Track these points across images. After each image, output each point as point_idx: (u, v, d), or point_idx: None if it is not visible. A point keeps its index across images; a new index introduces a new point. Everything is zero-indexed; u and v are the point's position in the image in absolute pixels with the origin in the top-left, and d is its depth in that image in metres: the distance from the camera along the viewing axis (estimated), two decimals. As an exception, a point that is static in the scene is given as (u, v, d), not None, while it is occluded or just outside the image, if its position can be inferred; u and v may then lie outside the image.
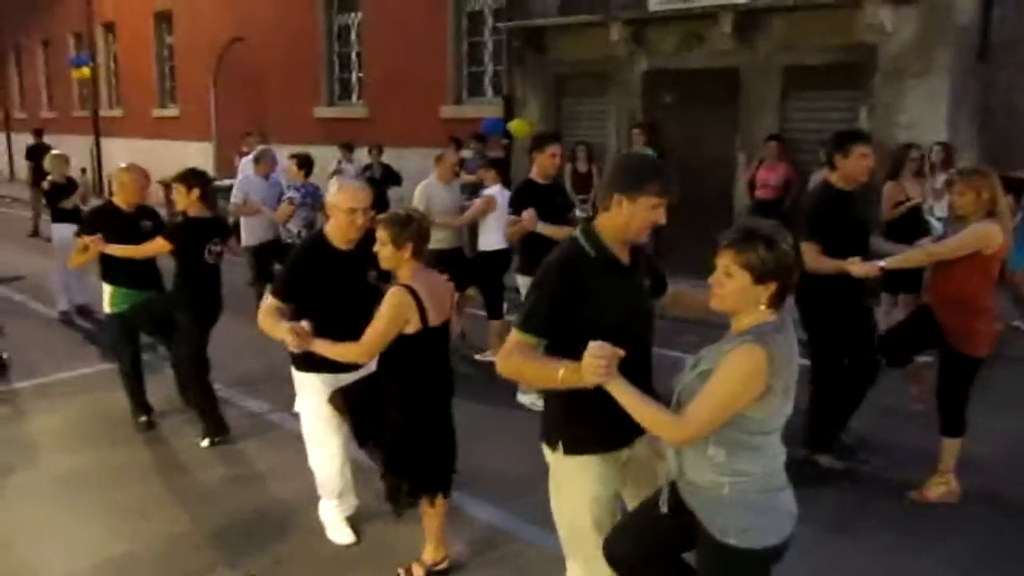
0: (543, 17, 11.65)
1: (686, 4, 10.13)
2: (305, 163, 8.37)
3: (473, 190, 11.42)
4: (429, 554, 4.03)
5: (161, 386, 6.68)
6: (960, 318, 4.48)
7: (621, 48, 10.99)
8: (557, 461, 2.92)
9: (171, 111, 19.75)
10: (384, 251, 3.61)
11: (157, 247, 5.52)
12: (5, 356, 7.27)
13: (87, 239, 5.65)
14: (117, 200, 5.91)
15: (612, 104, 11.52)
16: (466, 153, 11.68)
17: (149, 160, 20.11)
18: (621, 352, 2.48)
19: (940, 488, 4.67)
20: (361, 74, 15.30)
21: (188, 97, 18.97)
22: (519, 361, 2.72)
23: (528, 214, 5.84)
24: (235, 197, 8.88)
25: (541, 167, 6.08)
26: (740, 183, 10.25)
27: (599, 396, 2.57)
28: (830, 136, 5.00)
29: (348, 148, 12.80)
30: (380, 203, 11.66)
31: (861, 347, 4.93)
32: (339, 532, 4.41)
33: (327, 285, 3.92)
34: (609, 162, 11.17)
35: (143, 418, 6.00)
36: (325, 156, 13.54)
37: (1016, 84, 10.90)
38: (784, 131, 9.80)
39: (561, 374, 2.61)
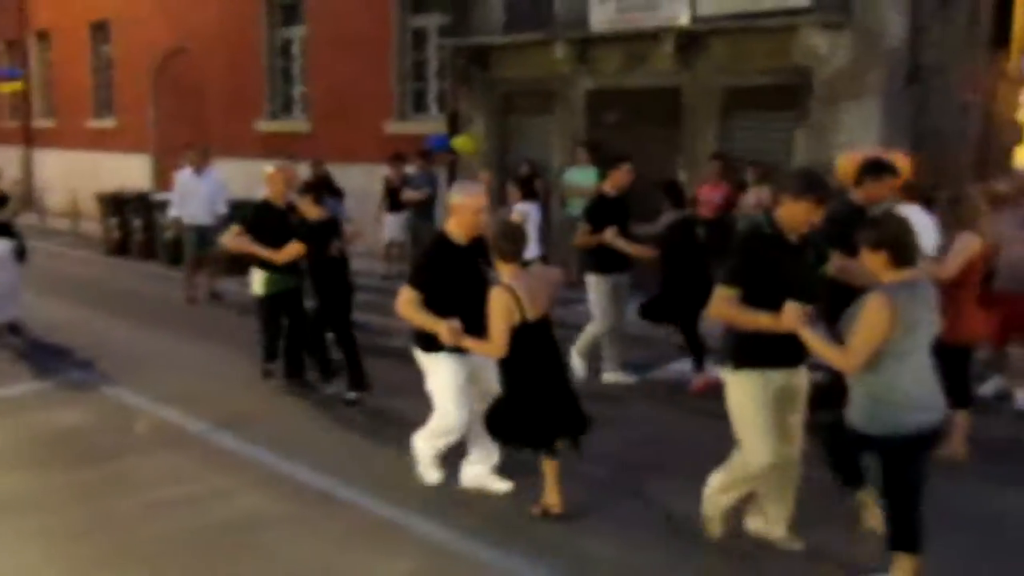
0: (487, 35, 11.71)
1: (628, 25, 10.29)
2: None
3: (418, 208, 11.42)
4: (548, 499, 4.60)
5: (99, 407, 6.55)
6: (949, 311, 4.95)
7: (565, 67, 11.10)
8: (729, 375, 4.10)
9: (108, 122, 19.30)
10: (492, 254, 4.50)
11: (295, 249, 6.55)
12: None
13: (234, 231, 6.98)
14: (270, 196, 7.09)
15: (556, 122, 11.61)
16: (410, 170, 11.66)
17: (86, 172, 19.78)
18: (810, 309, 3.76)
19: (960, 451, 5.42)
20: (304, 88, 15.18)
21: (126, 108, 18.57)
22: (730, 310, 3.95)
23: (611, 232, 6.74)
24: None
25: (615, 182, 7.03)
26: (682, 201, 10.39)
27: (759, 333, 3.88)
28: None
29: (292, 162, 12.66)
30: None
31: None
32: (429, 470, 4.99)
33: (451, 274, 4.65)
34: (553, 178, 11.32)
35: (269, 366, 7.09)
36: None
37: (945, 107, 11.30)
38: (725, 150, 9.99)
39: (763, 321, 3.84)
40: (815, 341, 3.71)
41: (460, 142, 11.91)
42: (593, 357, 7.27)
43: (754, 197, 9.48)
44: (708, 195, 9.76)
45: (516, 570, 4.18)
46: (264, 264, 6.84)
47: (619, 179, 7.03)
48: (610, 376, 7.25)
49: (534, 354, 4.38)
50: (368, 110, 13.64)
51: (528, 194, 8.42)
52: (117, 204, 14.28)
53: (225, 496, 5.01)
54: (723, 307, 3.98)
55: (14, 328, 8.91)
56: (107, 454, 5.69)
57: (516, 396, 4.45)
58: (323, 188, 6.99)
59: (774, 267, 3.91)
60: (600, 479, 5.19)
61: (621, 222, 6.89)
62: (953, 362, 5.21)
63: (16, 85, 19.95)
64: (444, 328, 4.44)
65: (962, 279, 5.20)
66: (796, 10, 9.08)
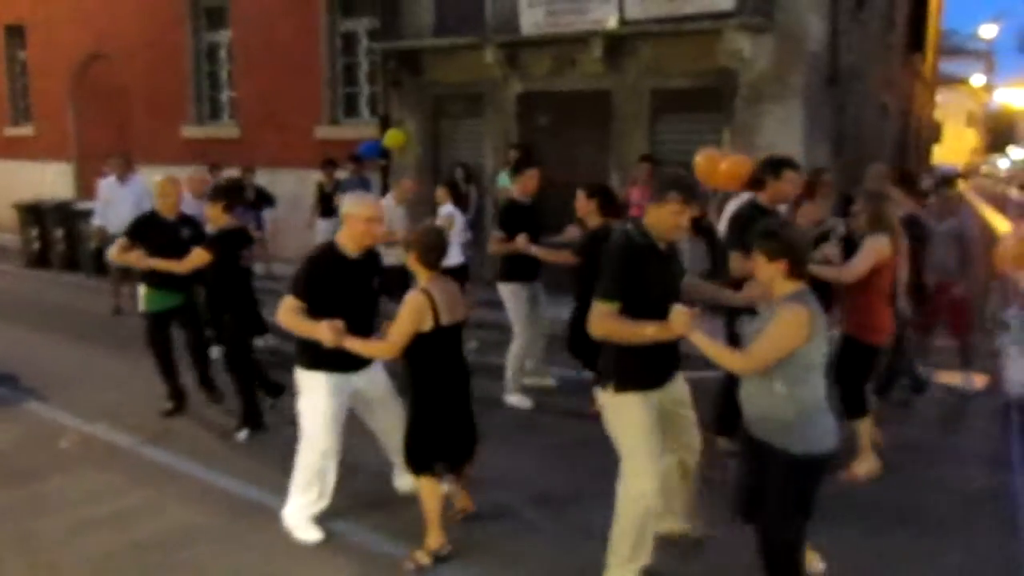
0: (418, 39, 11.68)
1: (557, 29, 10.37)
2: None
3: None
4: (431, 544, 4.25)
5: (22, 424, 6.35)
6: (858, 312, 5.19)
7: (496, 70, 11.14)
8: (609, 398, 3.85)
9: (25, 130, 18.65)
10: (408, 260, 4.27)
11: (199, 257, 5.97)
12: None
13: (126, 245, 6.21)
14: (159, 207, 6.43)
15: (488, 125, 11.64)
16: (342, 175, 11.57)
17: (2, 182, 19.01)
18: (698, 311, 3.53)
19: (864, 465, 5.25)
20: (232, 93, 14.92)
21: (45, 115, 17.97)
22: (614, 325, 3.67)
23: (522, 239, 6.53)
24: None
25: (523, 187, 6.87)
26: (613, 202, 10.52)
27: (640, 352, 3.69)
28: (765, 159, 5.63)
29: (216, 168, 12.46)
30: (254, 226, 11.38)
31: None
32: (307, 531, 4.51)
33: (336, 288, 4.36)
34: (486, 182, 11.33)
35: (170, 405, 6.50)
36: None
37: (863, 108, 11.68)
38: (654, 152, 10.14)
39: (650, 331, 3.61)
40: (707, 344, 3.50)
41: (389, 137, 11.85)
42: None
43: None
44: (638, 197, 9.90)
45: (450, 573, 4.19)
46: (147, 279, 6.30)
47: (527, 184, 6.85)
48: (530, 379, 7.17)
49: (445, 358, 4.25)
50: (298, 115, 13.47)
51: (456, 198, 8.18)
52: (37, 214, 13.81)
53: (154, 511, 4.90)
54: (606, 323, 3.70)
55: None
56: (31, 473, 5.50)
57: (423, 406, 4.23)
58: (235, 194, 6.37)
59: (650, 277, 3.71)
60: (523, 482, 5.23)
61: (533, 228, 6.70)
62: (861, 361, 5.27)
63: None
64: (324, 329, 4.16)
65: (872, 280, 5.12)
66: (720, 14, 9.27)
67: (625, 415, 3.82)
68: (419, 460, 4.25)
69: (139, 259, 6.13)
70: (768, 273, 3.45)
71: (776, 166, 5.37)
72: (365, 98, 13.41)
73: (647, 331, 3.61)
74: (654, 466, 3.80)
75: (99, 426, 6.27)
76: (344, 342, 4.17)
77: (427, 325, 4.10)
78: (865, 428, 5.29)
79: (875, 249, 5.09)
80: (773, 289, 3.46)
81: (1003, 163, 53.70)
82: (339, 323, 4.18)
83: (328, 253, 4.47)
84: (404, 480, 4.93)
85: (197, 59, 15.25)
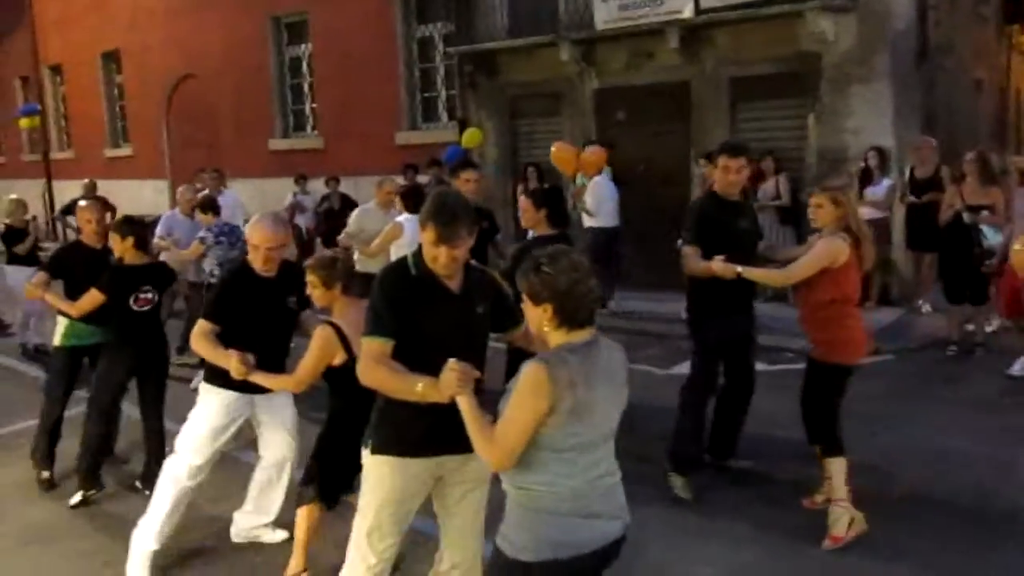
0: (492, 40, 11.74)
1: (633, 22, 10.28)
2: (207, 206, 8.03)
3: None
4: (292, 567, 4.07)
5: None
6: (822, 328, 4.46)
7: (571, 68, 11.11)
8: (366, 459, 3.14)
9: (124, 150, 19.54)
10: (316, 292, 3.98)
11: (91, 300, 5.20)
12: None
13: (36, 280, 5.47)
14: (83, 236, 5.69)
15: (565, 123, 11.62)
16: (422, 179, 11.70)
17: (103, 201, 19.76)
18: (477, 373, 2.66)
19: (844, 520, 4.31)
20: (314, 105, 15.30)
21: (141, 136, 18.80)
22: (382, 374, 2.90)
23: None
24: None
25: (463, 190, 6.19)
26: (697, 194, 10.35)
27: (407, 406, 2.87)
28: (719, 147, 5.13)
29: (303, 179, 12.80)
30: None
31: (735, 355, 5.03)
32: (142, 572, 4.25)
33: (249, 308, 4.16)
34: (562, 182, 11.24)
35: (45, 473, 5.61)
36: (282, 188, 13.48)
37: (955, 84, 11.19)
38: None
39: (420, 388, 2.78)
40: (471, 418, 2.55)
41: (468, 137, 11.92)
42: None
43: (772, 187, 9.47)
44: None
45: None
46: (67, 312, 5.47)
47: (460, 189, 6.14)
48: None
49: (363, 392, 3.54)
50: (378, 122, 13.72)
51: (414, 206, 6.69)
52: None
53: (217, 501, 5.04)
54: (373, 370, 2.92)
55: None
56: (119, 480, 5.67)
57: (337, 435, 3.98)
58: (139, 228, 5.38)
59: (426, 318, 2.93)
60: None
61: (478, 237, 5.79)
62: (829, 386, 4.48)
63: (35, 120, 20.22)
64: (234, 361, 3.90)
65: (831, 288, 4.36)
66: (799, -4, 9.05)
67: (375, 482, 3.08)
68: (322, 486, 3.99)
69: (41, 293, 5.41)
70: (535, 320, 2.55)
71: (718, 151, 4.89)
72: (443, 102, 13.56)
73: (417, 387, 2.78)
74: (388, 540, 3.10)
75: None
76: (252, 375, 3.93)
77: (338, 359, 3.83)
78: (839, 472, 4.36)
79: (827, 252, 4.34)
80: (549, 341, 2.56)
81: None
82: (250, 357, 3.93)
83: (240, 273, 4.28)
84: (241, 524, 4.64)
85: (281, 73, 15.70)
